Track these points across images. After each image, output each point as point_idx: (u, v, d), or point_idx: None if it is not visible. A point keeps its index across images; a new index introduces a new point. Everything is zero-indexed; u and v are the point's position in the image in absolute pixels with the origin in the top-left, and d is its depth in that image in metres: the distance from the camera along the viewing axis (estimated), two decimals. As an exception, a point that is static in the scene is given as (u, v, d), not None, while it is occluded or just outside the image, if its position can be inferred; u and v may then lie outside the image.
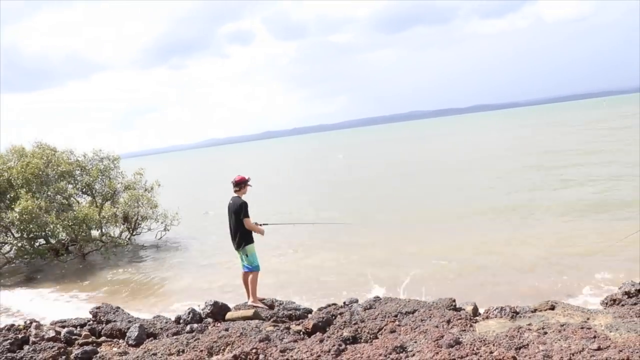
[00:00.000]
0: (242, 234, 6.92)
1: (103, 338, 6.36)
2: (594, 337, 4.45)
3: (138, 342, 5.86)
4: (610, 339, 4.38)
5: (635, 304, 5.57)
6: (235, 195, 7.04)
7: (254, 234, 7.04)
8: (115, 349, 5.81)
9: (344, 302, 7.20)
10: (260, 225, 7.12)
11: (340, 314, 6.24)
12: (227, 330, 5.72)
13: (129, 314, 7.14)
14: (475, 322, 5.53)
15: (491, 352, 4.25)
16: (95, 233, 13.98)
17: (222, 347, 5.10)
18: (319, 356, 4.55)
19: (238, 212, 6.87)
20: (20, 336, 5.94)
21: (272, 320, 6.36)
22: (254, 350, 4.61)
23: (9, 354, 5.28)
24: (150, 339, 5.97)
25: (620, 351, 3.99)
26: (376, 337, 5.33)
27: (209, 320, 6.68)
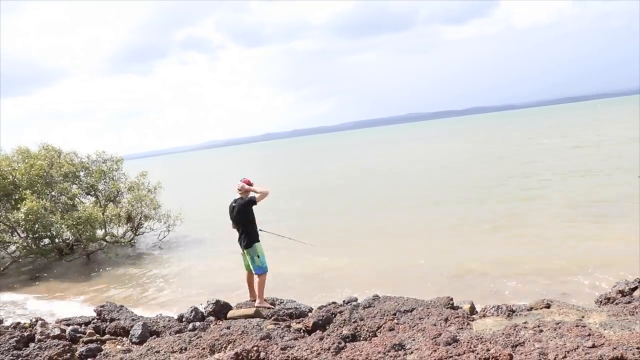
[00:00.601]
0: (249, 232, 6.91)
1: (107, 336, 6.46)
2: (589, 334, 4.51)
3: (141, 340, 5.95)
4: (604, 337, 4.44)
5: (629, 302, 5.63)
6: (239, 197, 7.02)
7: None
8: (119, 347, 5.91)
9: (344, 301, 7.26)
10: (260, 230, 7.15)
11: (340, 312, 6.30)
12: (228, 328, 5.80)
13: (132, 313, 7.23)
14: (473, 321, 5.61)
15: (488, 350, 4.32)
16: (99, 233, 14.12)
17: (224, 345, 5.18)
18: (319, 354, 4.62)
19: (246, 206, 6.87)
20: (26, 334, 6.03)
21: (272, 318, 6.43)
22: (255, 348, 4.68)
23: (15, 352, 5.37)
24: (153, 336, 6.05)
25: (614, 348, 4.04)
26: (375, 335, 5.40)
27: (211, 318, 6.76)
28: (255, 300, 7.09)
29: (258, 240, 7.00)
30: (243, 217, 6.94)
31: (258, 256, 6.93)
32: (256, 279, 7.02)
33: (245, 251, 7.04)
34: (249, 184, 7.01)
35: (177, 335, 5.78)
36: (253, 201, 6.93)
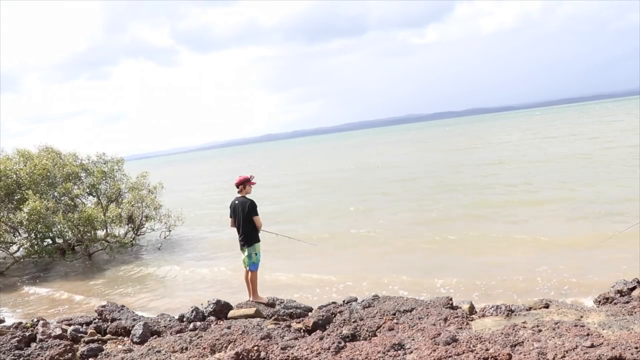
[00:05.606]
0: (250, 232, 7.10)
1: (108, 336, 6.49)
2: (587, 334, 4.53)
3: (142, 340, 5.97)
4: (603, 337, 4.46)
5: (627, 302, 5.65)
6: (240, 195, 7.18)
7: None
8: (120, 346, 5.94)
9: (344, 301, 7.28)
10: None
11: (340, 312, 6.33)
12: (229, 328, 5.83)
13: (133, 313, 7.26)
14: (472, 320, 5.63)
15: (487, 350, 4.35)
16: (100, 233, 14.17)
17: (225, 345, 5.21)
18: (319, 353, 4.65)
19: (248, 211, 7.07)
20: (27, 334, 6.07)
21: (273, 318, 6.47)
22: (255, 348, 4.71)
23: (16, 352, 5.40)
24: (155, 336, 6.08)
25: (613, 348, 4.06)
26: (375, 335, 5.42)
27: (212, 318, 6.79)
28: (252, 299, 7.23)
29: (258, 240, 7.22)
30: (245, 217, 7.08)
31: (256, 254, 7.16)
32: (250, 275, 7.25)
33: (244, 248, 7.20)
34: (244, 181, 7.17)
35: (178, 335, 5.81)
36: (255, 209, 7.13)
